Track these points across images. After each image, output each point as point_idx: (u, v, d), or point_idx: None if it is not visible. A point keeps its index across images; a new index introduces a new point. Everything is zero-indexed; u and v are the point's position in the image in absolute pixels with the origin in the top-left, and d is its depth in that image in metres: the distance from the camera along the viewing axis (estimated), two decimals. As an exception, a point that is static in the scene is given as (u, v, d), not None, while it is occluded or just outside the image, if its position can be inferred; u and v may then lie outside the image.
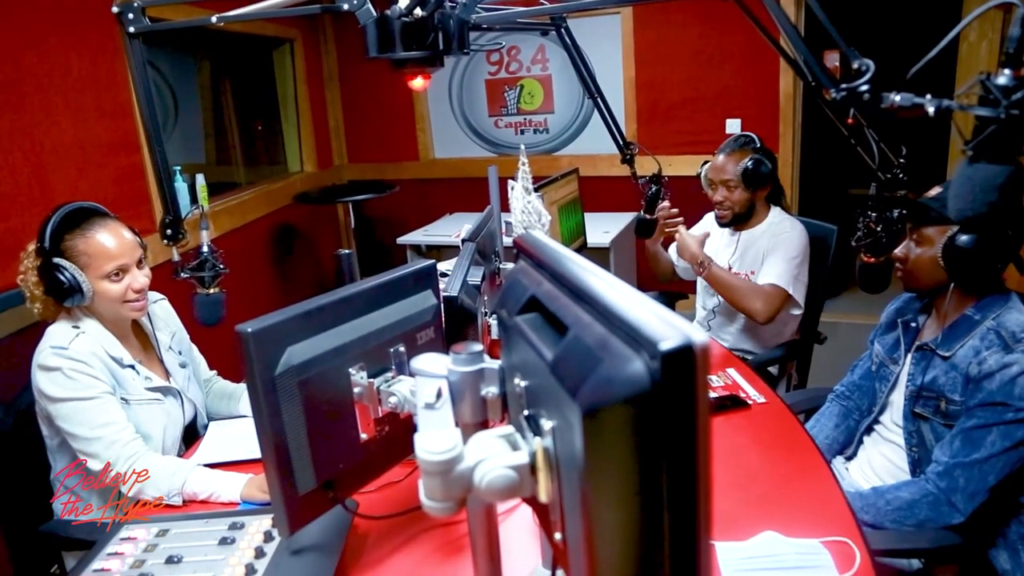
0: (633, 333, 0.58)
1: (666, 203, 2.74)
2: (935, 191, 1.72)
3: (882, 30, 5.37)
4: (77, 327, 1.78)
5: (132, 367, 1.84)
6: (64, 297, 1.73)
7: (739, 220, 2.68)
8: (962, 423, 1.60)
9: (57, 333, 1.77)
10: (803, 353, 2.78)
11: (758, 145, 2.60)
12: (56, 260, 1.72)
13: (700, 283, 2.88)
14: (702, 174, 2.70)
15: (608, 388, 0.58)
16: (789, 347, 2.69)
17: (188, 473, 1.67)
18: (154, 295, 2.03)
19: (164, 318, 2.07)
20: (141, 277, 1.83)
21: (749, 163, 2.54)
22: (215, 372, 2.23)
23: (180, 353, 2.07)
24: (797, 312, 2.63)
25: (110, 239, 1.78)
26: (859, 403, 2.03)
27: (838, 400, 2.08)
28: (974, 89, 0.91)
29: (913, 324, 1.86)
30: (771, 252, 2.56)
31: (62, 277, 1.71)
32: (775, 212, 2.67)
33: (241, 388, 2.18)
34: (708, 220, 2.92)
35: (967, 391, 1.61)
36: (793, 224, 2.60)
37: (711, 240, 2.85)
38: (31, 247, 1.79)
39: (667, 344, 0.53)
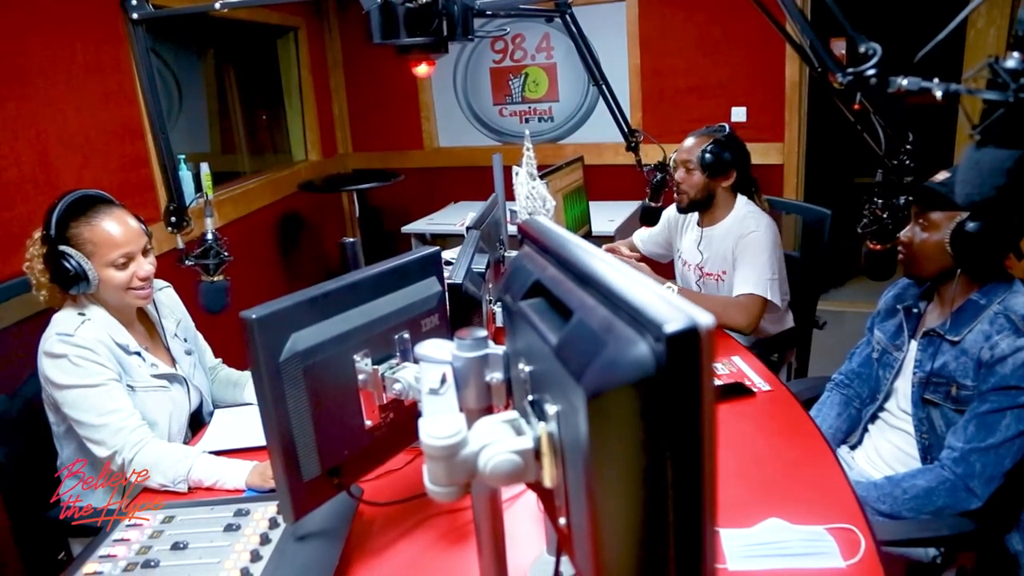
0: (638, 316, 0.58)
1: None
2: (942, 176, 1.71)
3: (889, 15, 5.34)
4: (83, 314, 1.78)
5: (138, 354, 1.85)
6: (70, 285, 1.74)
7: (697, 207, 2.61)
8: (975, 408, 1.60)
9: (63, 320, 1.77)
10: (802, 341, 2.76)
11: (726, 133, 2.53)
12: (62, 248, 1.72)
13: (678, 275, 2.86)
14: (672, 157, 2.65)
15: (613, 371, 0.58)
16: (783, 336, 2.66)
17: (193, 460, 1.68)
18: (159, 283, 2.04)
19: (170, 305, 2.07)
20: (146, 265, 1.84)
21: (708, 147, 2.48)
22: (220, 360, 2.24)
23: (185, 340, 2.07)
24: (781, 306, 2.57)
25: (116, 227, 1.78)
26: (859, 391, 2.02)
27: (838, 389, 2.08)
28: (982, 73, 0.90)
29: (915, 310, 1.85)
30: (740, 257, 2.48)
31: (68, 265, 1.71)
32: (740, 205, 2.58)
33: (245, 376, 2.18)
34: (670, 212, 2.87)
35: (979, 376, 1.60)
36: (758, 221, 2.51)
37: (682, 235, 2.82)
38: (37, 234, 1.79)
39: (672, 326, 0.53)
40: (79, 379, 1.71)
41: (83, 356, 1.72)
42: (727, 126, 2.57)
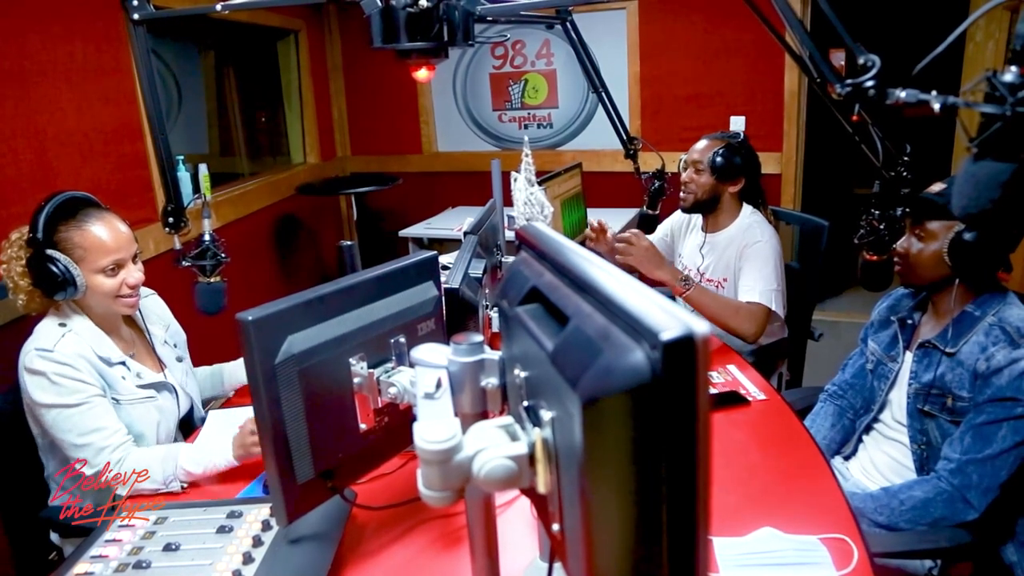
0: (634, 323, 0.58)
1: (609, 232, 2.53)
2: (938, 187, 1.72)
3: (888, 28, 5.36)
4: (64, 325, 1.73)
5: (123, 363, 1.81)
6: (55, 291, 1.68)
7: (701, 208, 2.60)
8: (971, 419, 1.60)
9: (43, 333, 1.72)
10: (796, 351, 2.75)
11: (740, 139, 2.53)
12: (49, 252, 1.66)
13: None
14: (682, 159, 2.64)
15: (608, 378, 0.58)
16: (774, 346, 2.65)
17: (178, 456, 1.67)
18: (144, 290, 1.97)
19: (157, 312, 2.05)
20: (136, 272, 1.79)
21: (720, 150, 2.48)
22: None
23: (176, 347, 2.05)
24: (783, 317, 2.55)
25: (107, 232, 1.73)
26: (853, 402, 2.03)
27: (831, 399, 2.08)
28: (980, 86, 0.91)
29: (910, 321, 1.86)
30: (745, 266, 2.47)
31: (55, 269, 1.65)
32: (745, 213, 2.57)
33: (219, 366, 2.18)
34: (676, 216, 2.88)
35: (975, 387, 1.61)
36: (763, 230, 2.50)
37: (684, 239, 2.83)
38: (15, 236, 1.74)
39: (668, 334, 0.53)
40: (58, 398, 1.67)
41: (62, 373, 1.67)
42: (741, 133, 2.57)
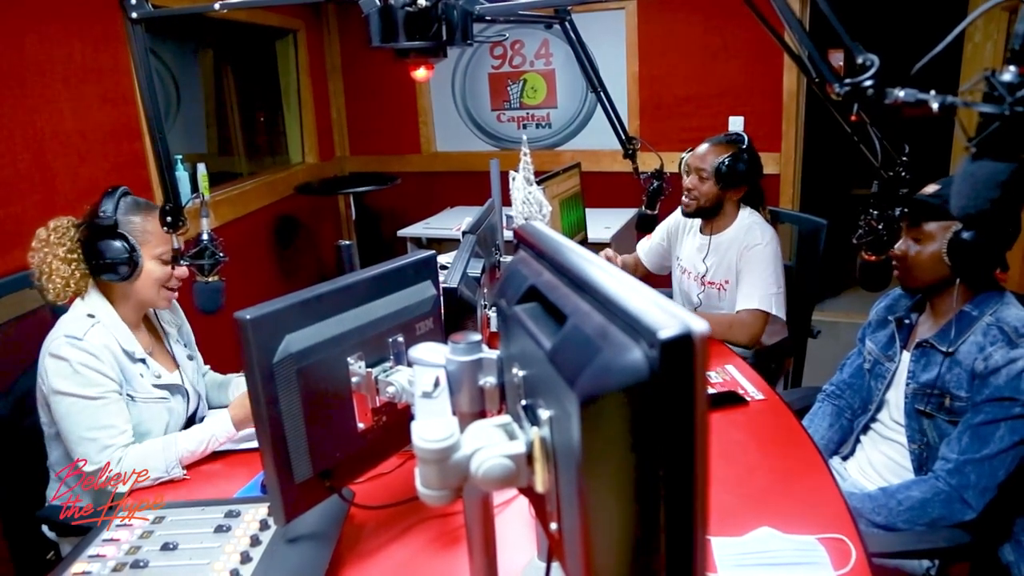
0: (632, 322, 0.58)
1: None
2: (932, 188, 1.72)
3: (887, 27, 5.36)
4: (92, 316, 1.76)
5: (143, 361, 1.84)
6: (108, 270, 1.75)
7: (703, 214, 2.60)
8: (969, 419, 1.60)
9: (72, 322, 1.74)
10: (797, 350, 2.76)
11: (745, 145, 2.51)
12: (120, 231, 1.75)
13: (676, 283, 2.86)
14: (684, 159, 2.64)
15: (606, 377, 0.58)
16: (780, 346, 2.66)
17: (177, 441, 1.71)
18: None
19: (171, 312, 2.08)
20: (181, 268, 1.89)
21: (726, 159, 2.46)
22: (208, 367, 2.23)
23: (185, 346, 2.08)
24: (784, 318, 2.55)
25: (162, 226, 1.84)
26: (851, 401, 2.03)
27: (829, 399, 2.08)
28: (978, 86, 0.90)
29: (907, 321, 1.86)
30: (745, 270, 2.48)
31: (124, 246, 1.74)
32: (744, 215, 2.57)
33: (230, 378, 2.19)
34: (672, 219, 2.88)
35: (973, 387, 1.61)
36: (763, 232, 2.50)
37: (682, 242, 2.83)
38: (53, 223, 1.79)
39: (666, 332, 0.53)
40: (76, 387, 1.68)
41: (86, 363, 1.69)
42: (746, 137, 2.55)
